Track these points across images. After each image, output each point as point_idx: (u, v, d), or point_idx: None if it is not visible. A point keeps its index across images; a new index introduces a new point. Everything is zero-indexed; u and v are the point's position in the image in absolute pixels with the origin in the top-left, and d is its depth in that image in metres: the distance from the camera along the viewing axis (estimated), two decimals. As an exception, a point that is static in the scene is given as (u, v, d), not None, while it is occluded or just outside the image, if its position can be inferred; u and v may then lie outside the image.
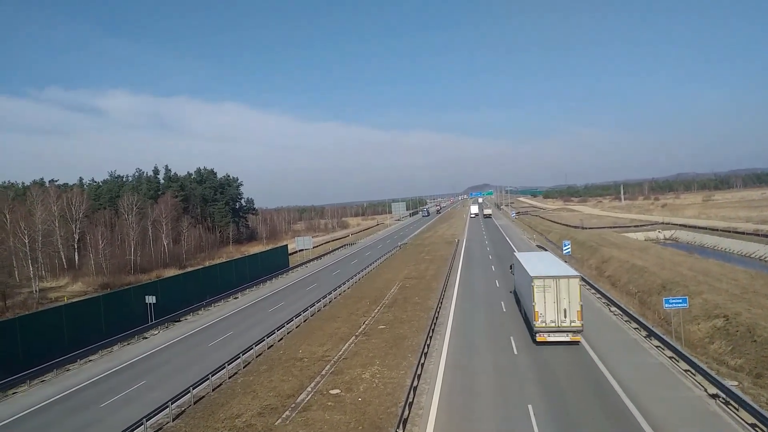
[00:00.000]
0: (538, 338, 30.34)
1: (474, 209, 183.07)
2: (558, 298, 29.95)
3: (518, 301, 41.10)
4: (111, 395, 28.90)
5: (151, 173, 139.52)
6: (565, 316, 29.85)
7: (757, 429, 18.80)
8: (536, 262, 36.88)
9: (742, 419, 19.72)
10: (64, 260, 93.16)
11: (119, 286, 69.91)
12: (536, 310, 30.11)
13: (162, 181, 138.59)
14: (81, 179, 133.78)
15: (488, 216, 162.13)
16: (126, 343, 41.11)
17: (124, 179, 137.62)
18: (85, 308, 41.54)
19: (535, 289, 30.22)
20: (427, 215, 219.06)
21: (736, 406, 20.47)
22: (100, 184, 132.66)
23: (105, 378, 32.62)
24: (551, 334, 30.12)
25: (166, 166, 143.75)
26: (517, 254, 44.97)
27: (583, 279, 40.05)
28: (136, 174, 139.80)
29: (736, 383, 23.32)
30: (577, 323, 29.78)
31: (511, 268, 47.07)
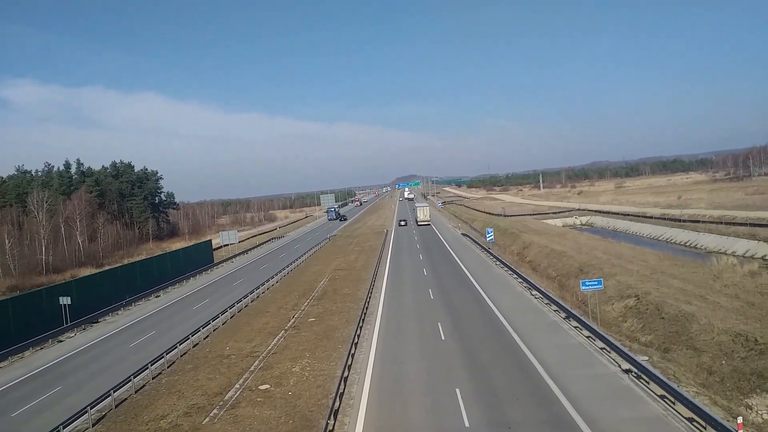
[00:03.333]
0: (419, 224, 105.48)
1: (407, 194, 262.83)
2: (423, 212, 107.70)
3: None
4: (23, 403, 27.19)
5: (62, 168, 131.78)
6: (425, 216, 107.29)
7: (665, 400, 20.13)
8: (419, 206, 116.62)
9: (652, 391, 21.06)
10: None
11: (30, 287, 65.76)
12: (417, 215, 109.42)
13: (75, 176, 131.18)
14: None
15: (411, 199, 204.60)
16: (39, 348, 38.78)
17: (32, 174, 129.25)
18: (-9, 313, 38.83)
19: (417, 209, 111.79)
20: (337, 218, 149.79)
21: (647, 379, 21.83)
22: (5, 179, 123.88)
23: (16, 386, 30.64)
24: (421, 224, 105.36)
25: (78, 159, 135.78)
26: (416, 204, 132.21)
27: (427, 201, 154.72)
28: (46, 169, 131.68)
29: (646, 358, 24.84)
30: (428, 219, 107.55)
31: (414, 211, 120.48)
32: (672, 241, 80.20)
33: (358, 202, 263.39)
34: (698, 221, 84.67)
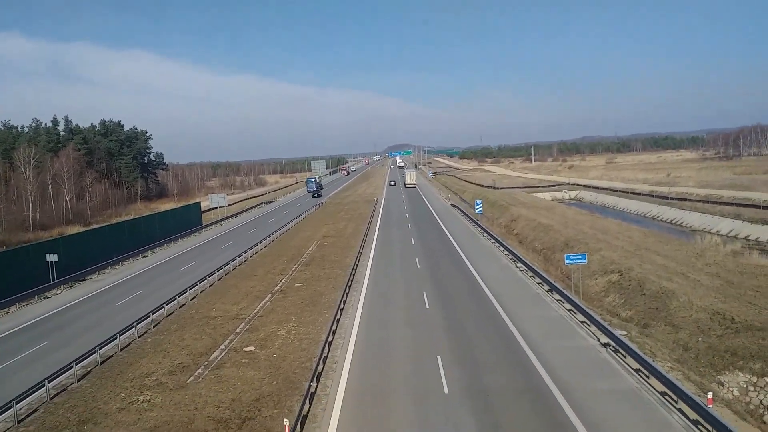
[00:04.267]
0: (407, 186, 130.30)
1: (399, 162, 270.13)
2: (410, 177, 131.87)
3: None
4: (8, 358, 27.39)
5: (50, 124, 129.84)
6: (412, 180, 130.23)
7: (640, 374, 20.65)
8: (407, 172, 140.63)
9: (628, 365, 21.58)
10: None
11: (16, 243, 65.47)
12: (405, 179, 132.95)
13: (63, 134, 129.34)
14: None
15: (401, 167, 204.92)
16: (25, 303, 38.87)
17: (19, 130, 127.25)
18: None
19: (406, 174, 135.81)
20: (314, 191, 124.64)
21: (624, 353, 22.34)
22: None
23: (1, 340, 30.82)
24: (408, 187, 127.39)
25: (66, 116, 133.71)
26: (405, 170, 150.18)
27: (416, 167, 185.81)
28: (33, 125, 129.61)
29: (625, 333, 25.36)
30: (414, 183, 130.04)
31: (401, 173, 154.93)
32: (658, 219, 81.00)
33: (344, 172, 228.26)
34: (685, 199, 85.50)
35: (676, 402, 18.09)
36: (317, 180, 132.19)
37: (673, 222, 76.69)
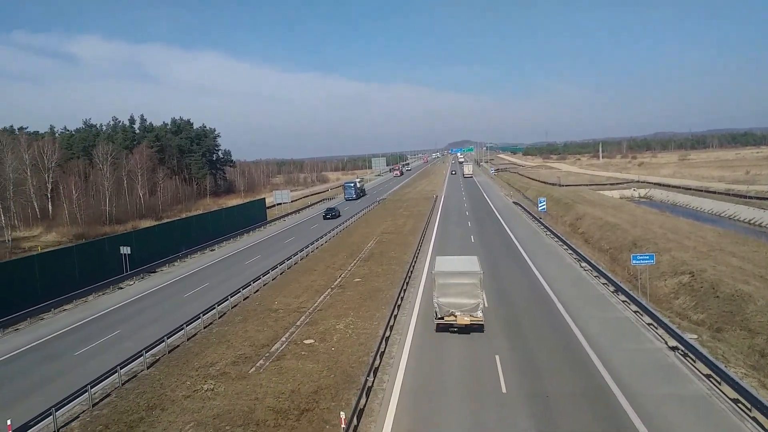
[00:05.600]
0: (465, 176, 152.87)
1: (460, 158, 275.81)
2: (468, 168, 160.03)
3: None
4: (85, 344, 29.04)
5: (126, 123, 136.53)
6: (469, 171, 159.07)
7: (711, 379, 19.65)
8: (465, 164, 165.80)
9: (698, 370, 20.57)
10: (37, 210, 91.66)
11: (94, 236, 69.24)
12: (464, 170, 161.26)
13: (137, 131, 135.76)
14: (52, 127, 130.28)
15: (469, 176, 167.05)
16: (101, 293, 41.07)
17: (98, 128, 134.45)
18: (58, 258, 41.26)
19: (464, 166, 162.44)
20: (353, 198, 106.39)
21: (694, 358, 21.31)
22: (73, 133, 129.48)
23: (79, 327, 32.70)
24: (466, 177, 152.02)
25: (142, 115, 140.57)
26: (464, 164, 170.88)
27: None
28: (111, 123, 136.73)
29: (695, 336, 24.21)
30: (471, 173, 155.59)
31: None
32: (735, 218, 76.72)
33: (397, 172, 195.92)
34: (766, 198, 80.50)
35: (750, 410, 17.11)
36: (357, 184, 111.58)
37: (752, 222, 72.41)
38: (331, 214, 79.72)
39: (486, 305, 30.76)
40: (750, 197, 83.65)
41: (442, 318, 25.92)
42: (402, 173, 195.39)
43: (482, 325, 25.99)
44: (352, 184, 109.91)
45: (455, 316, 25.67)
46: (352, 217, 74.83)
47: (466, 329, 25.88)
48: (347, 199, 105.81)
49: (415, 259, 44.17)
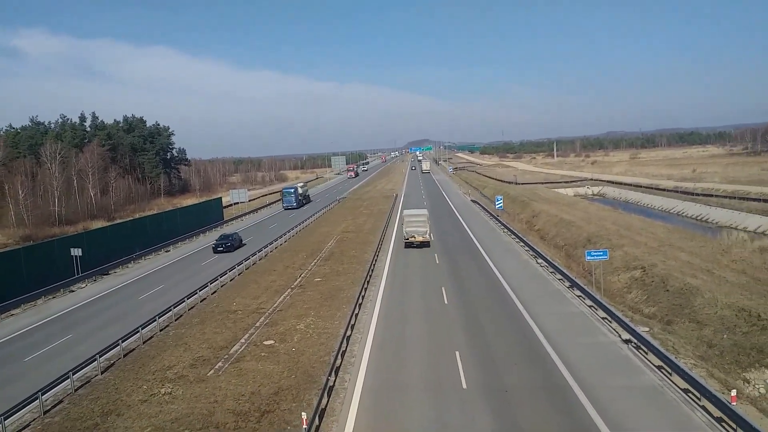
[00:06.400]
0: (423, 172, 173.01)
1: (419, 157, 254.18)
2: (426, 165, 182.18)
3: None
4: (35, 349, 28.00)
5: (76, 120, 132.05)
6: (427, 167, 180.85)
7: (662, 371, 20.33)
8: (423, 162, 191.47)
9: (650, 362, 21.26)
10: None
11: (43, 238, 66.79)
12: (422, 167, 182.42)
13: (88, 129, 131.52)
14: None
15: (427, 171, 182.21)
16: (51, 297, 39.66)
17: (46, 126, 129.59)
18: (4, 261, 39.77)
19: (422, 163, 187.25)
20: (293, 206, 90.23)
21: (646, 350, 22.01)
22: (19, 130, 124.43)
23: (29, 332, 31.52)
24: (424, 173, 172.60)
25: (93, 113, 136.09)
26: (422, 162, 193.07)
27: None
28: (60, 121, 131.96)
29: (647, 329, 24.99)
30: (428, 169, 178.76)
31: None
32: (683, 215, 79.58)
33: (351, 173, 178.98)
34: (711, 195, 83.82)
35: (699, 399, 17.78)
36: (299, 190, 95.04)
37: (699, 218, 75.25)
38: (224, 245, 53.20)
39: (446, 302, 31.21)
40: (697, 194, 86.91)
41: (407, 239, 47.05)
42: (357, 174, 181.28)
43: (429, 243, 47.20)
44: (293, 190, 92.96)
45: (414, 237, 46.78)
46: (311, 216, 74.21)
47: (420, 245, 46.63)
48: (286, 208, 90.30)
49: (375, 257, 44.24)
